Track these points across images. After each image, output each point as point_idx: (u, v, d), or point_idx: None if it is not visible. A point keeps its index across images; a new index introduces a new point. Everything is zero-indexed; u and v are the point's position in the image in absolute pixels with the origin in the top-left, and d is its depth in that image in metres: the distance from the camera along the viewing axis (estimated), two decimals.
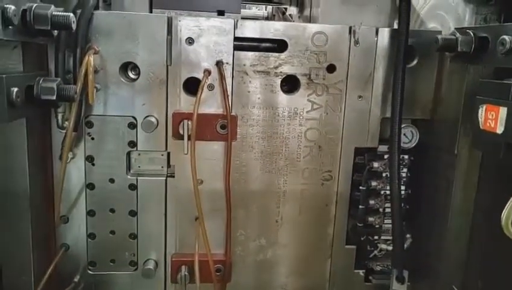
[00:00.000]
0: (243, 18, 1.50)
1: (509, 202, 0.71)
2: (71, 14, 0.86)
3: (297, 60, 1.05)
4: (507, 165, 0.84)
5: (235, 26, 1.02)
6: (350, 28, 1.05)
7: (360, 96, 1.09)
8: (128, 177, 1.06)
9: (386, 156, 1.12)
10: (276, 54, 1.04)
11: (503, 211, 0.71)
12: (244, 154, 1.08)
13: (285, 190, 1.12)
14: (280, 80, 1.05)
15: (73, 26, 0.87)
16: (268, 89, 1.06)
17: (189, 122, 0.99)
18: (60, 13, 0.85)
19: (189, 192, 1.05)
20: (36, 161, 0.99)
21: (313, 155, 1.10)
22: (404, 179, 1.15)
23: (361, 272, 1.20)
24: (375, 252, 1.19)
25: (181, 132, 1.00)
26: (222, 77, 1.01)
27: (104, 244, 1.09)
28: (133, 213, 1.07)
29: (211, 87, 1.03)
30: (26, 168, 0.97)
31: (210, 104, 1.04)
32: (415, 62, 1.09)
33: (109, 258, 1.10)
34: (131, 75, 1.03)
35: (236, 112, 1.05)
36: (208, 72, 1.01)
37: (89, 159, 1.03)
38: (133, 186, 1.06)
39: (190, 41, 1.01)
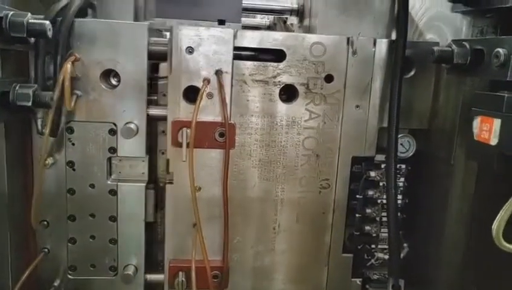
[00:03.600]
0: (245, 27, 1.52)
1: (499, 213, 0.72)
2: (47, 22, 0.88)
3: (296, 69, 1.06)
4: (501, 176, 0.85)
5: (235, 36, 1.03)
6: (348, 38, 1.06)
7: (357, 106, 1.10)
8: (109, 182, 1.08)
9: (383, 166, 1.13)
10: (275, 64, 1.06)
11: (494, 223, 0.72)
12: (242, 162, 1.10)
13: (282, 198, 1.13)
14: (278, 89, 1.07)
15: (49, 33, 0.89)
16: (267, 98, 1.07)
17: (188, 130, 1.00)
18: (36, 21, 0.87)
19: (187, 198, 1.06)
20: (15, 165, 1.01)
21: (310, 164, 1.12)
22: (401, 189, 1.15)
23: (358, 281, 1.21)
24: (372, 260, 1.20)
25: (180, 139, 1.02)
26: (221, 86, 1.03)
27: (84, 249, 1.10)
28: (113, 219, 1.09)
29: (210, 95, 1.04)
30: (4, 171, 0.98)
31: (209, 112, 1.05)
32: (412, 73, 1.10)
33: (89, 263, 1.11)
34: (113, 82, 1.05)
35: (235, 120, 1.07)
36: (207, 81, 1.03)
37: (70, 164, 1.05)
38: (113, 192, 1.08)
39: (190, 50, 1.03)
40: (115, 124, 1.04)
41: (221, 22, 1.28)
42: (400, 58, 1.04)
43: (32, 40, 0.95)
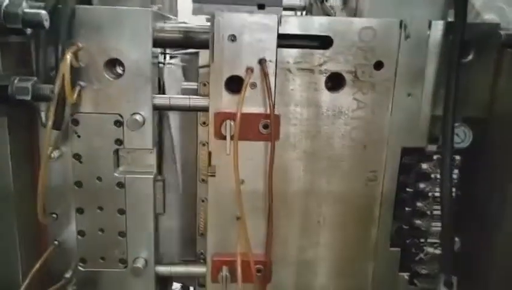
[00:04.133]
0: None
1: None
2: (43, 12, 0.84)
3: (343, 56, 1.00)
4: None
5: (279, 23, 0.98)
6: (401, 21, 0.99)
7: (409, 94, 1.03)
8: (116, 175, 1.05)
9: (435, 157, 1.06)
10: (321, 51, 1.00)
11: None
12: (286, 154, 1.05)
13: (327, 190, 1.09)
14: (325, 77, 1.01)
15: (46, 24, 0.85)
16: (312, 87, 1.02)
17: (232, 123, 0.97)
18: (31, 11, 0.83)
19: (230, 191, 1.03)
20: (21, 159, 1.00)
21: (357, 155, 1.06)
22: (455, 181, 1.09)
23: (405, 275, 1.16)
24: (421, 255, 1.15)
25: (223, 132, 0.99)
26: (265, 75, 0.98)
27: (93, 242, 1.09)
28: (122, 211, 1.07)
29: (253, 85, 1.00)
30: (8, 166, 0.97)
31: (252, 103, 1.01)
32: (470, 57, 1.02)
33: (99, 255, 1.11)
34: (119, 71, 1.01)
35: (279, 111, 1.02)
36: (250, 70, 0.98)
37: (76, 157, 1.04)
38: (120, 185, 1.05)
39: (233, 38, 0.98)
40: (120, 116, 1.01)
41: (261, 7, 1.22)
42: (457, 41, 0.96)
43: (29, 31, 0.92)
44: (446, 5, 1.04)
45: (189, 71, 1.23)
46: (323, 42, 1.00)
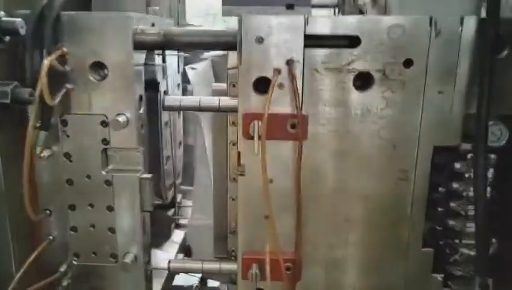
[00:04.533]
0: (314, 6, 1.45)
1: None
2: (18, 20, 0.89)
3: (371, 55, 1.00)
4: None
5: (306, 23, 0.98)
6: (431, 18, 0.97)
7: (440, 92, 1.01)
8: (104, 173, 1.09)
9: (469, 156, 1.03)
10: (349, 50, 1.00)
11: None
12: (314, 153, 1.06)
13: (356, 189, 1.08)
14: (353, 76, 1.01)
15: (22, 31, 0.91)
16: (340, 86, 1.02)
17: (259, 123, 0.99)
18: (8, 19, 0.88)
19: (259, 190, 1.05)
20: (11, 158, 1.04)
21: (387, 154, 1.05)
22: (490, 180, 1.05)
23: (439, 277, 1.14)
24: (456, 256, 1.12)
25: (251, 132, 1.00)
26: (292, 76, 0.99)
27: (85, 237, 1.14)
28: (111, 208, 1.11)
29: (281, 86, 1.01)
30: None
31: (280, 103, 1.02)
32: (504, 53, 0.99)
33: (91, 250, 1.15)
34: (103, 74, 1.05)
35: (307, 111, 1.03)
36: (278, 71, 1.00)
37: (66, 155, 1.09)
38: (108, 182, 1.09)
39: (260, 40, 1.00)
40: (105, 116, 1.05)
41: (290, 7, 1.23)
42: (491, 37, 0.93)
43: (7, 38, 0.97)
44: (478, 0, 1.01)
45: (219, 72, 1.26)
46: (351, 41, 1.00)
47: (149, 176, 1.11)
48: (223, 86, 1.19)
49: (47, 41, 0.98)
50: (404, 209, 1.09)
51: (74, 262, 1.17)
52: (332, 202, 1.10)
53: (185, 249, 1.57)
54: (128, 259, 1.13)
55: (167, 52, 1.33)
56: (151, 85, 1.29)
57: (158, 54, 1.27)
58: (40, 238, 1.15)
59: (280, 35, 0.99)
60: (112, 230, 1.13)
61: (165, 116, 1.41)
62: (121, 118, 1.03)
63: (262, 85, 1.02)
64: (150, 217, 1.20)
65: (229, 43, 1.06)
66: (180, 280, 2.02)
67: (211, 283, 1.99)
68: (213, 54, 1.25)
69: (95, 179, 1.09)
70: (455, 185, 1.05)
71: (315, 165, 1.07)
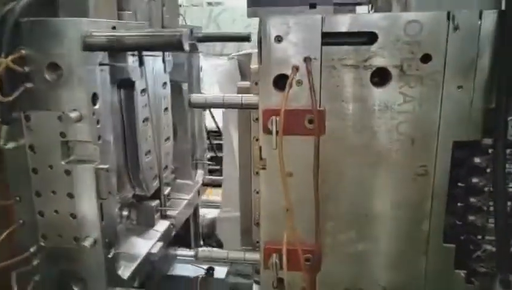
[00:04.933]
0: (348, 4, 1.46)
1: None
2: None
3: (388, 51, 1.01)
4: None
5: (323, 22, 1.02)
6: (448, 13, 0.98)
7: (459, 86, 1.01)
8: (63, 163, 1.18)
9: (490, 150, 1.02)
10: (366, 47, 1.02)
11: None
12: (333, 148, 1.09)
13: (375, 185, 1.10)
14: (370, 73, 1.03)
15: None
16: (358, 82, 1.04)
17: (277, 118, 1.03)
18: None
19: (279, 184, 1.09)
20: None
21: (405, 149, 1.06)
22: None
23: (462, 273, 1.13)
24: (479, 252, 1.11)
25: (270, 127, 1.05)
26: (309, 73, 1.03)
27: (51, 221, 1.24)
28: (71, 195, 1.20)
29: (299, 83, 1.05)
30: None
31: (299, 99, 1.06)
32: None
33: (56, 233, 1.24)
34: (59, 73, 1.14)
35: (325, 107, 1.06)
36: (296, 69, 1.04)
37: (31, 147, 1.20)
38: (68, 172, 1.19)
39: (279, 39, 1.04)
40: (62, 112, 1.14)
41: (313, 6, 1.27)
42: (511, 29, 0.92)
43: None
44: None
45: (245, 71, 1.32)
46: (368, 38, 1.02)
47: (105, 166, 1.20)
48: (248, 84, 1.24)
49: (5, 46, 1.10)
50: (424, 204, 1.09)
51: (42, 244, 1.28)
52: (351, 197, 1.12)
53: (168, 238, 1.66)
54: (87, 242, 1.22)
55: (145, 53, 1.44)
56: (127, 84, 1.42)
57: (133, 55, 1.38)
58: (12, 222, 1.29)
59: (298, 34, 1.03)
60: (73, 215, 1.23)
61: (145, 112, 1.51)
62: (74, 114, 1.14)
63: (281, 82, 1.06)
64: (132, 206, 1.36)
65: (173, 43, 1.14)
66: (186, 270, 2.13)
67: (217, 274, 2.08)
68: (239, 53, 1.31)
69: (56, 169, 1.20)
70: (475, 180, 1.04)
71: (334, 160, 1.10)
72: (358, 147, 1.08)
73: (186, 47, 1.14)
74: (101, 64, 1.21)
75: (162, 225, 1.62)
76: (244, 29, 7.37)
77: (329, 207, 1.13)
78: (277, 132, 1.03)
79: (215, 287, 2.09)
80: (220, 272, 2.15)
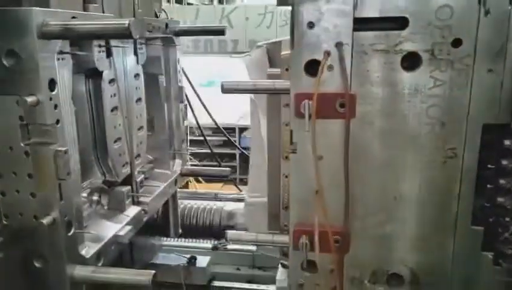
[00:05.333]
0: None
1: None
2: None
3: (419, 36, 1.03)
4: None
5: (355, 7, 1.04)
6: None
7: (490, 70, 1.03)
8: (22, 145, 1.22)
9: None
10: (397, 32, 1.04)
11: None
12: (363, 131, 1.12)
13: (404, 167, 1.12)
14: (400, 57, 1.05)
15: None
16: (388, 67, 1.06)
17: (310, 102, 1.06)
18: None
19: (309, 167, 1.12)
20: None
21: (435, 132, 1.09)
22: None
23: (489, 255, 1.15)
24: (507, 234, 1.13)
25: (302, 111, 1.08)
26: (341, 58, 1.05)
27: (12, 200, 1.27)
28: (30, 176, 1.24)
29: (330, 68, 1.08)
30: None
31: (330, 84, 1.09)
32: None
33: (18, 212, 1.28)
34: (17, 60, 1.17)
35: (356, 91, 1.09)
36: (327, 54, 1.06)
37: None
38: (27, 153, 1.23)
39: (311, 25, 1.07)
40: (20, 96, 1.18)
41: None
42: None
43: None
44: None
45: (274, 59, 1.35)
46: (399, 23, 1.04)
47: (63, 148, 1.24)
48: (277, 71, 1.27)
49: None
50: (453, 186, 1.11)
51: (5, 222, 1.32)
52: (380, 180, 1.15)
53: (140, 224, 1.70)
54: (45, 220, 1.26)
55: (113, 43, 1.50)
56: (96, 74, 1.47)
57: (99, 46, 1.44)
58: None
59: (330, 20, 1.06)
60: (33, 195, 1.27)
61: (113, 101, 1.56)
62: (31, 99, 1.18)
63: (312, 68, 1.09)
64: (103, 191, 1.43)
65: (121, 31, 1.18)
66: (168, 259, 2.18)
67: (199, 263, 2.18)
68: (268, 41, 1.34)
69: (16, 151, 1.25)
70: (505, 162, 1.06)
71: (363, 143, 1.12)
72: (388, 131, 1.11)
73: (135, 35, 1.19)
74: (62, 52, 1.26)
75: (132, 210, 1.67)
76: (257, 28, 7.43)
77: (358, 189, 1.16)
78: (309, 116, 1.05)
79: (197, 276, 2.16)
80: (202, 261, 2.22)
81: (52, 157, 1.23)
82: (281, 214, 1.36)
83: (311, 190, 1.17)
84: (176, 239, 2.43)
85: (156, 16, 1.98)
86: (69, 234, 1.31)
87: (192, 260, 2.19)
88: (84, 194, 1.54)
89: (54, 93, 1.22)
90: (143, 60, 1.74)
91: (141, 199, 1.74)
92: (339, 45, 1.06)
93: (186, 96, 2.87)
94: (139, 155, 1.77)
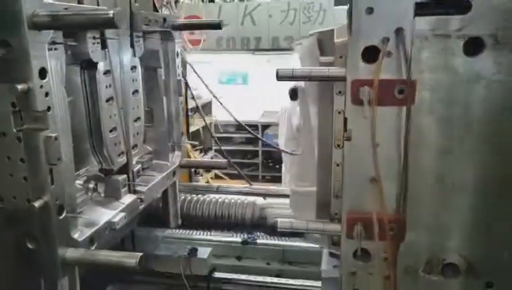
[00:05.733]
0: None
1: None
2: None
3: (482, 20, 1.01)
4: None
5: None
6: None
7: None
8: (15, 131, 1.24)
9: None
10: (459, 16, 1.02)
11: None
12: (421, 118, 1.10)
13: (464, 155, 1.11)
14: (462, 42, 1.03)
15: None
16: (449, 52, 1.05)
17: (369, 88, 1.05)
18: None
19: (364, 154, 1.12)
20: None
21: (497, 119, 1.06)
22: None
23: None
24: None
25: (361, 97, 1.08)
26: (402, 44, 1.04)
27: (6, 184, 1.29)
28: (23, 160, 1.26)
29: (389, 54, 1.07)
30: None
31: (388, 70, 1.08)
32: None
33: (11, 195, 1.30)
34: (9, 50, 1.18)
35: (415, 77, 1.07)
36: (386, 40, 1.05)
37: None
38: (19, 139, 1.25)
39: (369, 10, 1.06)
40: (12, 84, 1.19)
41: None
42: None
43: None
44: None
45: (325, 47, 1.34)
46: (461, 7, 1.02)
47: (54, 135, 1.26)
48: (330, 59, 1.27)
49: None
50: None
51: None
52: (437, 166, 1.13)
53: (135, 211, 1.74)
54: (37, 203, 1.28)
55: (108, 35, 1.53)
56: (91, 65, 1.51)
57: (94, 38, 1.47)
58: None
59: (389, 5, 1.05)
60: (26, 179, 1.29)
61: (108, 92, 1.59)
62: (22, 86, 1.20)
63: (368, 54, 1.08)
64: (100, 179, 1.48)
65: (105, 22, 1.20)
66: (170, 250, 2.26)
67: (200, 254, 2.21)
68: (320, 30, 1.34)
69: (9, 136, 1.27)
70: None
71: (422, 130, 1.11)
72: (447, 117, 1.09)
73: (119, 25, 1.23)
74: (54, 43, 1.30)
75: (128, 198, 1.71)
76: (280, 24, 7.41)
77: (415, 178, 1.14)
78: (369, 102, 1.05)
79: (198, 267, 2.19)
80: (203, 252, 2.26)
81: (43, 143, 1.27)
82: (332, 203, 1.36)
83: (365, 177, 1.17)
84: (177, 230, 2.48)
85: (156, 10, 2.02)
86: (60, 217, 1.35)
87: (193, 251, 2.24)
88: (81, 181, 1.59)
89: (44, 81, 1.26)
90: (140, 52, 1.78)
91: (138, 187, 1.79)
92: (398, 31, 1.05)
93: (212, 92, 2.97)
94: (136, 146, 1.82)
